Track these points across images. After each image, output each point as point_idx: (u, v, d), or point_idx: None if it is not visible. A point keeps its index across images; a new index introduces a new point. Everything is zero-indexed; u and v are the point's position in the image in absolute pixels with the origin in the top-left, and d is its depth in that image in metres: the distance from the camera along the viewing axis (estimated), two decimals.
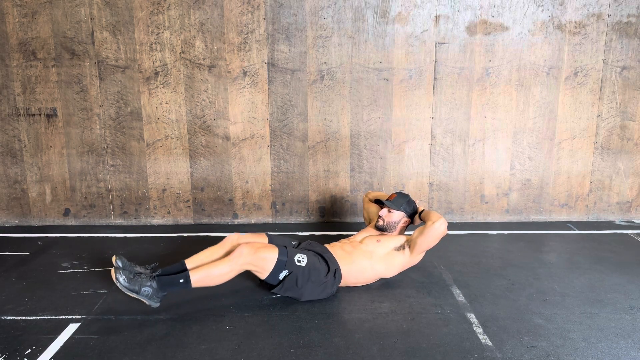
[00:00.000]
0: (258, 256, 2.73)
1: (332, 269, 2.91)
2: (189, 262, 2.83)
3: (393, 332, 2.58)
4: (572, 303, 2.90)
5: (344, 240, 3.23)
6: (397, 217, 3.16)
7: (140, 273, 2.69)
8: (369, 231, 3.24)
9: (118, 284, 2.59)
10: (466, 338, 2.53)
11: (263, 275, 2.79)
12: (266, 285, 2.98)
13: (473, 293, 3.03)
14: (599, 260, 3.56)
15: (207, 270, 2.69)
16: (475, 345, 2.46)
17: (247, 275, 3.31)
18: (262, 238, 3.02)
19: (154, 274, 2.69)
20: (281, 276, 2.79)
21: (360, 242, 3.12)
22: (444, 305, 2.87)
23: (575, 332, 2.58)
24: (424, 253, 3.13)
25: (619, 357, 2.37)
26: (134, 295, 2.62)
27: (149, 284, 2.63)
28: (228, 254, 2.85)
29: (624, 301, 2.93)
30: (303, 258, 2.85)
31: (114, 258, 2.69)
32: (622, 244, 3.89)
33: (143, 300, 2.64)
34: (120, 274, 2.61)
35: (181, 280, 2.64)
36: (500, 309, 2.83)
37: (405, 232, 3.34)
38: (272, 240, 3.03)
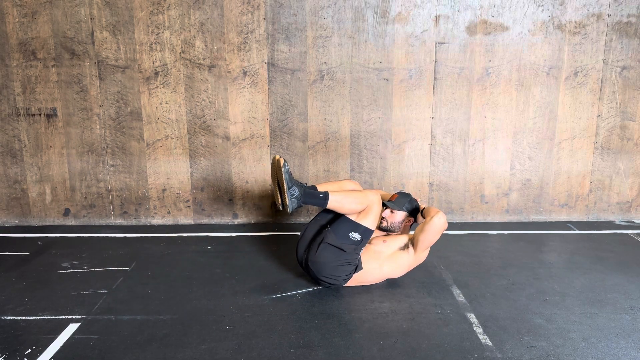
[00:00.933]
0: (378, 209, 2.99)
1: (357, 270, 3.01)
2: (320, 187, 3.07)
3: (393, 332, 2.58)
4: (572, 303, 2.90)
5: None
6: (400, 217, 3.16)
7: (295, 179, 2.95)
8: (374, 232, 3.25)
9: (284, 169, 2.81)
10: (466, 338, 2.53)
11: (357, 217, 2.95)
12: (268, 285, 2.99)
13: (473, 293, 3.03)
14: (599, 260, 3.56)
15: (345, 195, 2.94)
16: (475, 345, 2.46)
17: (247, 275, 3.31)
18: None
19: (302, 184, 2.94)
20: (352, 235, 2.94)
21: (369, 242, 3.13)
22: (444, 305, 2.87)
23: (575, 332, 2.58)
24: (429, 250, 3.13)
25: (619, 357, 2.37)
26: (285, 187, 2.83)
27: (299, 186, 2.89)
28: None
29: (624, 301, 2.93)
30: (362, 251, 3.01)
31: (277, 156, 2.89)
32: (622, 244, 3.89)
33: (285, 197, 2.85)
34: (287, 165, 2.86)
35: (321, 195, 2.89)
36: (500, 309, 2.83)
37: (410, 231, 3.34)
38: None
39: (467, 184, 4.41)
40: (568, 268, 3.42)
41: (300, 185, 2.92)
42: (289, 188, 2.85)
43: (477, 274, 3.32)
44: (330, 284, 3.00)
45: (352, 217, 2.95)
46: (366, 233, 2.95)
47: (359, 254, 2.98)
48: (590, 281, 3.21)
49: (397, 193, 3.23)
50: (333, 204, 2.91)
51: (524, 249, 3.80)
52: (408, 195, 3.21)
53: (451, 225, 4.33)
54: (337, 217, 3.03)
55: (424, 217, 3.12)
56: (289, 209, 2.88)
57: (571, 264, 3.50)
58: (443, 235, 4.01)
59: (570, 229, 4.29)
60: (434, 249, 3.65)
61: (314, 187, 3.03)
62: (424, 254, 3.12)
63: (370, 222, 2.96)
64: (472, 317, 2.73)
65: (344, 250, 2.91)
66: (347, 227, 2.94)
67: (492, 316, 2.74)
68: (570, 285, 3.15)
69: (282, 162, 2.83)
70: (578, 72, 4.22)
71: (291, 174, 2.90)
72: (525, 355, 2.38)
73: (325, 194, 2.90)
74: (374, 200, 2.96)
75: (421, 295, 3.00)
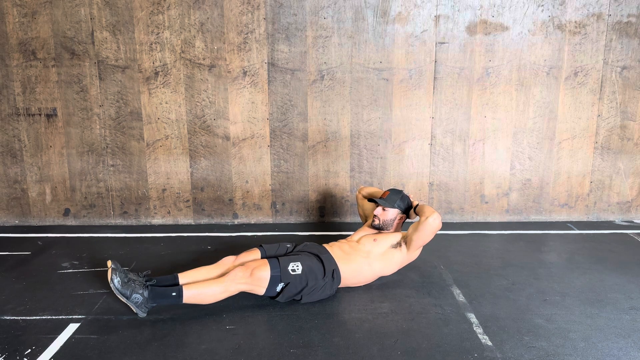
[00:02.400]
0: (253, 278, 2.73)
1: (328, 270, 2.90)
2: (183, 277, 2.82)
3: (393, 332, 2.58)
4: (572, 303, 2.90)
5: (341, 241, 3.23)
6: (392, 214, 3.15)
7: (134, 280, 2.69)
8: (366, 230, 3.24)
9: (112, 285, 2.60)
10: (466, 338, 2.53)
11: (260, 292, 2.79)
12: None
13: (473, 293, 3.03)
14: (599, 260, 3.56)
15: (201, 288, 2.70)
16: (475, 345, 2.46)
17: None
18: (254, 254, 3.00)
19: (147, 283, 2.70)
20: (278, 288, 2.79)
21: (358, 241, 3.12)
22: (444, 305, 2.87)
23: (575, 332, 2.58)
24: (421, 248, 3.13)
25: (619, 357, 2.37)
26: (124, 300, 2.63)
27: (140, 291, 2.64)
28: (223, 275, 2.85)
29: (624, 301, 2.93)
30: (297, 266, 2.83)
31: (109, 262, 2.69)
32: (622, 244, 3.89)
33: (131, 307, 2.66)
34: (116, 275, 2.62)
35: (173, 294, 2.64)
36: (500, 309, 2.83)
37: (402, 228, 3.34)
38: (265, 252, 3.02)
39: (467, 184, 4.42)
40: (568, 268, 3.42)
41: (145, 285, 2.65)
42: (128, 299, 2.61)
43: (477, 274, 3.32)
44: (329, 296, 2.95)
45: (260, 293, 2.78)
46: (276, 279, 2.76)
47: (302, 274, 2.81)
48: (590, 281, 3.21)
49: (388, 190, 3.22)
50: (190, 300, 2.67)
51: (524, 249, 3.80)
52: (400, 192, 3.20)
53: (451, 225, 4.33)
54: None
55: (417, 214, 3.11)
56: (141, 315, 2.67)
57: (571, 264, 3.50)
58: (443, 235, 4.02)
59: (570, 229, 4.29)
60: (434, 249, 3.65)
61: (174, 277, 2.79)
62: (416, 252, 3.12)
63: (262, 281, 2.73)
64: (472, 317, 2.73)
65: (296, 292, 2.81)
66: (271, 294, 2.80)
67: (492, 316, 2.74)
68: (570, 285, 3.15)
69: (109, 276, 2.59)
70: (578, 72, 4.22)
71: (125, 280, 2.62)
72: (525, 355, 2.38)
73: (179, 291, 2.63)
74: (236, 288, 2.72)
75: (421, 295, 3.00)
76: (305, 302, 2.87)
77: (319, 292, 2.87)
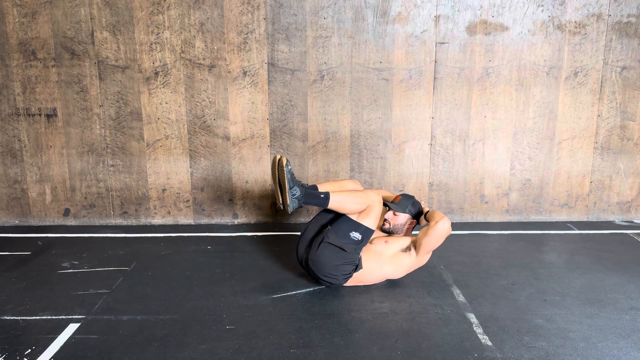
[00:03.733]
0: (379, 210, 2.97)
1: (357, 269, 3.01)
2: (321, 187, 3.07)
3: (393, 332, 2.58)
4: (572, 303, 2.90)
5: None
6: (403, 219, 3.16)
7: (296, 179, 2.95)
8: (376, 232, 3.24)
9: (286, 169, 2.82)
10: (466, 338, 2.53)
11: (357, 217, 2.94)
12: (268, 285, 2.98)
13: (473, 293, 3.03)
14: (599, 260, 3.56)
15: (346, 195, 2.94)
16: (475, 345, 2.46)
17: (247, 275, 3.31)
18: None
19: (303, 184, 2.94)
20: (352, 235, 2.93)
21: (370, 242, 3.13)
22: (444, 305, 2.87)
23: (575, 332, 2.58)
24: (431, 253, 3.13)
25: (619, 357, 2.37)
26: (286, 187, 2.83)
27: (300, 189, 2.89)
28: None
29: (624, 301, 2.93)
30: (362, 251, 3.01)
31: (278, 155, 2.88)
32: (622, 244, 3.89)
33: (287, 197, 2.85)
34: (290, 165, 2.87)
35: (322, 196, 2.90)
36: (500, 309, 2.83)
37: (413, 233, 3.34)
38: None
39: (467, 184, 4.41)
40: (568, 268, 3.42)
41: (301, 185, 2.92)
42: (290, 188, 2.86)
43: (477, 274, 3.32)
44: (330, 283, 3.00)
45: (353, 217, 2.95)
46: (367, 233, 2.95)
47: (359, 254, 2.98)
48: (590, 281, 3.21)
49: (400, 195, 3.23)
50: (334, 204, 2.91)
51: (524, 249, 3.80)
52: (411, 197, 3.20)
53: (451, 225, 4.33)
54: (337, 216, 3.03)
55: (427, 221, 3.12)
56: (290, 209, 2.87)
57: (571, 264, 3.50)
58: None
59: (570, 229, 4.29)
60: (434, 249, 3.65)
61: (314, 187, 3.03)
62: (426, 257, 3.11)
63: (371, 222, 2.95)
64: (472, 317, 2.73)
65: (344, 250, 2.91)
66: (348, 226, 2.94)
67: (492, 316, 2.74)
68: (570, 285, 3.15)
69: (284, 161, 2.82)
70: (578, 72, 4.22)
71: (293, 174, 2.90)
72: (525, 355, 2.38)
73: (326, 194, 2.90)
74: (375, 200, 2.96)
75: (421, 295, 3.00)
76: (306, 301, 2.87)
77: (331, 273, 2.96)
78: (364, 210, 2.95)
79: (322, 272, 2.95)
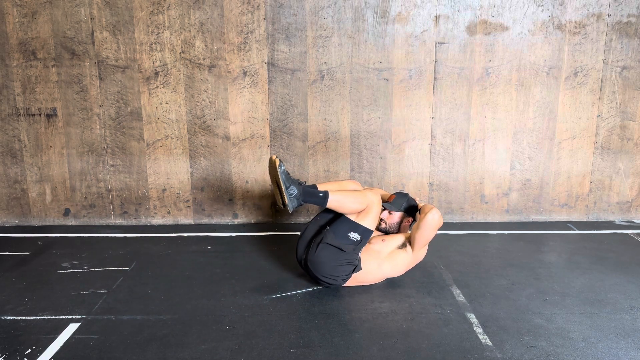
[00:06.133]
0: (378, 210, 2.97)
1: (356, 271, 3.00)
2: (321, 187, 3.05)
3: (393, 332, 2.58)
4: (572, 303, 2.90)
5: None
6: (398, 218, 3.16)
7: (292, 178, 2.94)
8: (373, 232, 3.25)
9: (279, 170, 2.82)
10: (466, 338, 2.53)
11: (357, 218, 2.93)
12: (268, 285, 2.98)
13: (473, 293, 3.03)
14: (599, 260, 3.56)
15: (345, 195, 2.94)
16: (475, 345, 2.46)
17: (247, 275, 3.31)
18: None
19: (301, 183, 2.94)
20: (351, 235, 2.92)
21: (368, 242, 3.13)
22: (444, 305, 2.87)
23: (575, 332, 2.58)
24: (427, 248, 3.13)
25: (619, 357, 2.37)
26: (283, 188, 2.83)
27: (297, 187, 2.89)
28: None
29: (624, 301, 2.93)
30: (361, 252, 3.00)
31: (273, 156, 2.86)
32: (622, 244, 3.89)
33: (285, 197, 2.85)
34: (283, 165, 2.85)
35: (321, 195, 2.89)
36: (500, 309, 2.83)
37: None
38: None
39: (467, 184, 4.41)
40: (568, 268, 3.42)
41: (299, 184, 2.92)
42: (287, 188, 2.86)
43: (477, 274, 3.32)
44: (329, 283, 3.00)
45: (352, 217, 2.95)
46: (366, 233, 2.95)
47: (358, 254, 2.98)
48: (590, 281, 3.21)
49: (394, 194, 3.23)
50: (333, 203, 2.90)
51: (524, 249, 3.80)
52: (406, 195, 3.21)
53: (451, 225, 4.33)
54: (336, 217, 3.03)
55: (420, 214, 3.12)
56: (290, 209, 2.88)
57: (571, 264, 3.50)
58: (443, 235, 4.02)
59: (570, 229, 4.29)
60: (434, 249, 3.65)
61: (314, 186, 3.03)
62: (422, 252, 3.12)
63: (369, 222, 2.95)
64: (472, 317, 2.73)
65: (343, 250, 2.91)
66: (347, 227, 2.94)
67: (492, 316, 2.74)
68: (570, 285, 3.15)
69: (277, 162, 2.83)
70: (578, 72, 4.22)
71: (288, 174, 2.90)
72: (525, 355, 2.38)
73: (325, 193, 2.90)
74: (374, 200, 2.96)
75: (421, 295, 3.00)
76: (305, 301, 2.87)
77: (331, 274, 2.96)
78: (363, 210, 2.94)
79: (321, 272, 2.95)
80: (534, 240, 4.00)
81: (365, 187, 3.32)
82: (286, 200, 2.86)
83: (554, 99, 4.27)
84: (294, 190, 2.88)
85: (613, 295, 3.00)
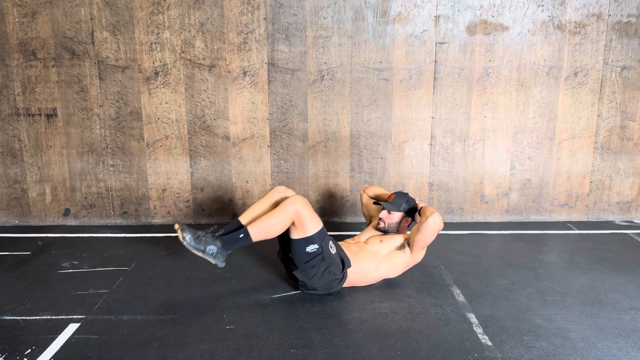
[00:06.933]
0: (308, 210, 2.77)
1: (346, 267, 2.94)
2: (243, 218, 2.93)
3: (393, 332, 2.58)
4: (572, 303, 2.90)
5: (348, 241, 3.23)
6: (397, 217, 3.16)
7: (203, 235, 2.78)
8: (372, 231, 3.24)
9: (185, 243, 2.69)
10: (466, 338, 2.53)
11: (299, 233, 2.79)
12: (268, 285, 2.97)
13: (473, 293, 3.03)
14: (599, 260, 3.56)
15: (264, 221, 2.76)
16: (475, 345, 2.46)
17: (247, 275, 3.31)
18: None
19: (216, 235, 2.79)
20: (310, 249, 2.81)
21: (365, 242, 3.12)
22: (444, 305, 2.87)
23: (575, 332, 2.58)
24: (425, 250, 3.13)
25: (619, 357, 2.37)
26: (200, 254, 2.71)
27: (213, 243, 2.74)
28: (276, 204, 2.92)
29: (624, 301, 2.93)
30: (332, 247, 2.91)
31: (176, 225, 2.74)
32: (622, 244, 3.89)
33: (209, 259, 2.73)
34: (186, 233, 2.70)
35: (241, 236, 2.75)
36: (500, 309, 2.83)
37: (408, 231, 3.34)
38: None
39: (467, 184, 4.42)
40: (568, 268, 3.42)
41: (214, 236, 2.77)
42: (204, 252, 2.72)
43: (477, 274, 3.32)
44: (328, 292, 2.97)
45: (295, 236, 2.81)
46: (319, 236, 2.82)
47: (333, 256, 2.89)
48: (590, 281, 3.21)
49: (394, 193, 3.23)
50: (258, 236, 2.76)
51: (524, 249, 3.80)
52: (405, 195, 3.20)
53: (451, 225, 4.33)
54: (287, 242, 2.91)
55: (421, 217, 3.12)
56: (220, 264, 2.77)
57: (571, 264, 3.50)
58: (443, 235, 4.02)
59: (570, 229, 4.29)
60: (434, 249, 3.65)
61: (236, 223, 2.89)
62: (420, 254, 3.12)
63: (311, 226, 2.79)
64: (472, 317, 2.73)
65: (315, 266, 2.85)
66: (301, 246, 2.82)
67: (492, 316, 2.74)
68: (570, 285, 3.15)
69: (180, 235, 2.68)
70: (578, 72, 4.22)
71: (196, 236, 2.72)
72: (525, 355, 2.38)
73: (245, 232, 2.75)
74: (296, 207, 2.75)
75: (421, 295, 3.00)
76: (305, 301, 2.87)
77: (327, 283, 2.90)
78: (294, 222, 2.78)
79: (313, 288, 2.92)
80: (534, 240, 4.00)
81: (289, 190, 3.05)
82: (212, 261, 2.74)
83: (554, 99, 4.27)
84: (213, 249, 2.72)
85: (613, 295, 3.00)
